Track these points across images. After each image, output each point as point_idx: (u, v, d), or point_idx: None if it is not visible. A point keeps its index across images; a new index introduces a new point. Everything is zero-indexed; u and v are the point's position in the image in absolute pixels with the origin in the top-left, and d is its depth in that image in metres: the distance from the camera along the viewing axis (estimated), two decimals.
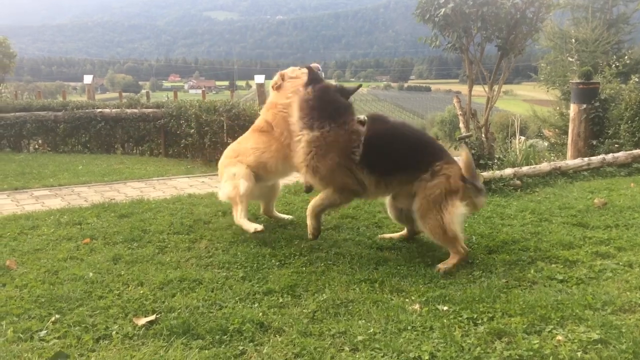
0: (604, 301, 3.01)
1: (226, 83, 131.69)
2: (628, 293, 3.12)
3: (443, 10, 9.47)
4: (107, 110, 12.23)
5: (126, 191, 7.13)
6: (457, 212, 3.74)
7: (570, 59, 15.18)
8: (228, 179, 4.55)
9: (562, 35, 16.00)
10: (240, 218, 4.42)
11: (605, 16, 16.16)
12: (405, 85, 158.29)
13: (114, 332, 2.84)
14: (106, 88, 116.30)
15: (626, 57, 14.72)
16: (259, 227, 4.30)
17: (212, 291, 3.38)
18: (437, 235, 3.79)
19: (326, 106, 3.99)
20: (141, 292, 3.37)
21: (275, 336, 2.79)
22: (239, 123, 9.74)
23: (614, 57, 15.08)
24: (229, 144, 9.88)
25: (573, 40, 15.37)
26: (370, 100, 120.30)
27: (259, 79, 12.13)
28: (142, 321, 2.94)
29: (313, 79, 4.19)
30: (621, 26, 16.43)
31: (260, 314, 3.03)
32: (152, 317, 2.98)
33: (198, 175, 8.69)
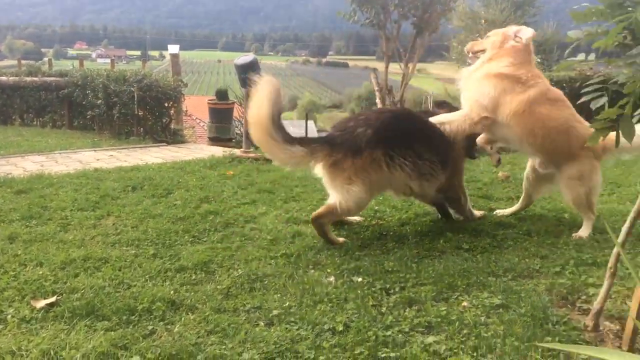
0: (505, 268, 3.17)
1: (138, 53, 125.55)
2: (527, 260, 3.31)
3: None
4: (3, 78, 11.32)
5: (25, 165, 6.63)
6: None
7: (480, 39, 15.83)
8: None
9: (472, 15, 16.64)
10: None
11: None
12: (324, 60, 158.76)
13: (9, 316, 2.62)
14: (4, 55, 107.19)
15: None
16: None
17: (120, 270, 3.22)
18: None
19: None
20: (40, 272, 3.14)
21: (188, 314, 2.71)
22: (151, 94, 9.33)
23: None
24: (139, 116, 9.55)
25: (483, 21, 16.03)
26: (290, 75, 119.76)
27: (173, 49, 11.63)
28: (41, 303, 2.75)
29: None
30: (527, 9, 17.32)
31: (172, 291, 2.92)
32: (53, 299, 2.79)
33: (105, 149, 8.25)
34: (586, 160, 3.80)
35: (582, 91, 2.36)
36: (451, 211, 4.24)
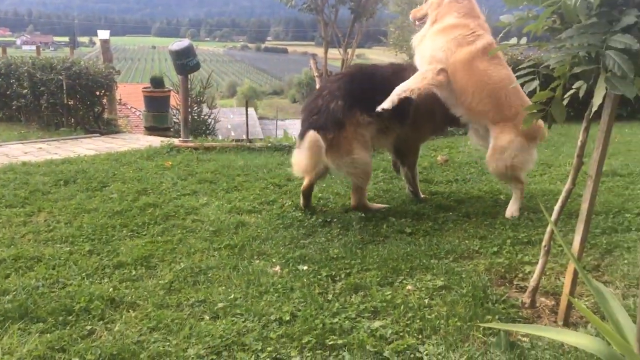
0: (446, 250, 3.26)
1: (66, 39, 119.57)
2: (467, 241, 3.41)
3: None
4: None
5: None
6: None
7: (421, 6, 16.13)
8: None
9: (408, 0, 16.86)
10: None
11: None
12: (263, 46, 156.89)
13: None
14: None
15: None
16: None
17: (54, 268, 3.07)
18: None
19: None
20: None
21: (129, 311, 2.62)
22: (81, 82, 8.91)
23: None
24: (69, 106, 9.10)
25: (418, 5, 16.30)
26: (227, 61, 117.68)
27: (103, 34, 11.09)
28: None
29: None
30: None
31: (111, 289, 2.82)
32: None
33: (34, 141, 7.81)
34: (515, 134, 3.81)
35: (515, 75, 2.43)
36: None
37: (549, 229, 2.43)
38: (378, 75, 4.05)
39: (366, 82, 4.00)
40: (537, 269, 2.50)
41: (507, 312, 2.51)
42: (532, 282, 2.54)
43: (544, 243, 2.46)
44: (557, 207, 2.39)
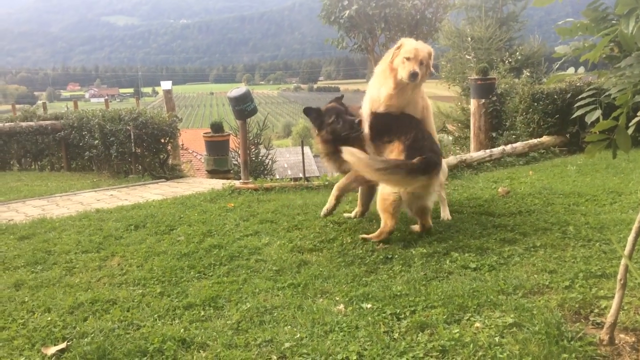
0: (515, 285, 3.16)
1: (131, 90, 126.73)
2: (535, 276, 3.31)
3: (347, 12, 9.67)
4: None
5: (26, 210, 6.62)
6: None
7: (468, 57, 16.05)
8: None
9: (459, 34, 16.84)
10: None
11: (496, 15, 17.21)
12: (315, 86, 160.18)
13: None
14: None
15: (517, 53, 15.77)
16: None
17: (128, 311, 3.20)
18: None
19: None
20: (49, 318, 3.12)
21: (199, 352, 2.69)
22: (147, 132, 9.39)
23: (507, 53, 16.10)
24: (137, 154, 9.59)
25: (469, 38, 16.25)
26: (282, 102, 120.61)
27: (166, 85, 11.71)
28: (52, 350, 2.73)
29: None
30: (511, 24, 17.55)
31: (182, 329, 2.91)
32: (63, 345, 2.77)
33: (106, 189, 8.25)
34: None
35: (576, 105, 2.39)
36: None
37: (623, 261, 2.33)
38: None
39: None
40: (614, 303, 2.39)
41: (584, 350, 2.39)
42: (609, 318, 2.42)
43: (619, 276, 2.36)
44: (630, 239, 2.30)
